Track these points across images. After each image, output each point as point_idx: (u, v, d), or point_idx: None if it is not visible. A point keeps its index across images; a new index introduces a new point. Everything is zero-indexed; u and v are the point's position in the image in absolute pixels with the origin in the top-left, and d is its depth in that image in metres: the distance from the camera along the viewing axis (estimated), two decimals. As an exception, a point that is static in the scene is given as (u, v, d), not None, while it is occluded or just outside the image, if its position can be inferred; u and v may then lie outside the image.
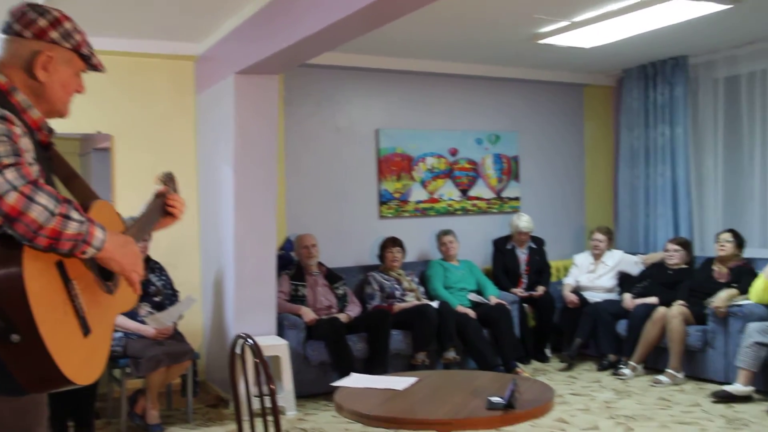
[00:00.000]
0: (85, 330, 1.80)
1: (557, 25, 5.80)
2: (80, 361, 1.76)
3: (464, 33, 6.01)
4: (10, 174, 1.66)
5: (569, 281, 7.08)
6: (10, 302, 1.61)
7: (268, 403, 5.07)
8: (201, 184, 6.13)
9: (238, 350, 2.81)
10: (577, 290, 6.97)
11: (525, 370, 6.32)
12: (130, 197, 5.61)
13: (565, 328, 6.85)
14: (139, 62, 5.94)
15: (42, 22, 1.96)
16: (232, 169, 5.38)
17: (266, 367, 2.56)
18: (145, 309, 5.22)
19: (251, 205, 5.44)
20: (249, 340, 2.65)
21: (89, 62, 2.08)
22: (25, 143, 1.78)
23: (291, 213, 6.53)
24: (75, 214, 1.71)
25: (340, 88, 6.79)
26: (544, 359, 6.88)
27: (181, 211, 2.36)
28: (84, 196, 2.11)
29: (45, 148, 1.99)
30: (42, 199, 1.66)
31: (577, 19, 5.64)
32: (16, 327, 1.62)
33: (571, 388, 5.91)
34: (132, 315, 5.13)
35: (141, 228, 2.19)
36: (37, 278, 1.66)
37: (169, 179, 2.37)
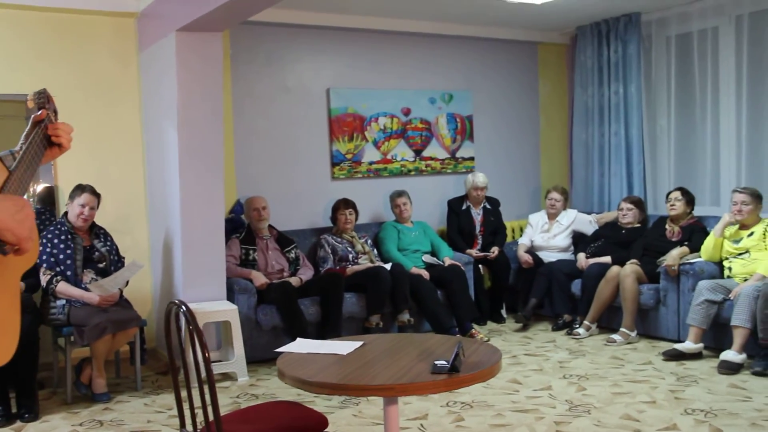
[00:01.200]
0: None
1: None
2: None
3: (415, -11, 5.87)
4: None
5: (524, 241, 7.06)
6: None
7: (216, 370, 4.99)
8: (147, 146, 5.94)
9: (173, 317, 2.70)
10: (531, 250, 6.95)
11: (480, 331, 6.30)
12: (71, 161, 5.40)
13: (520, 288, 6.84)
14: (78, 19, 5.70)
15: None
16: (177, 130, 5.20)
17: (200, 335, 2.45)
18: (89, 276, 5.06)
19: (197, 168, 5.28)
20: (183, 307, 2.53)
21: None
22: None
23: (241, 175, 6.38)
24: None
25: (289, 47, 6.61)
26: (499, 320, 6.88)
27: (68, 138, 1.93)
28: None
29: None
30: None
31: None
32: None
33: (526, 348, 5.91)
34: (75, 282, 4.98)
35: (28, 166, 1.80)
36: None
37: (44, 98, 1.91)
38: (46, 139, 1.87)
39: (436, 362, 2.71)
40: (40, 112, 1.87)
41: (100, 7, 5.70)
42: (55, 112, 1.93)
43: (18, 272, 1.76)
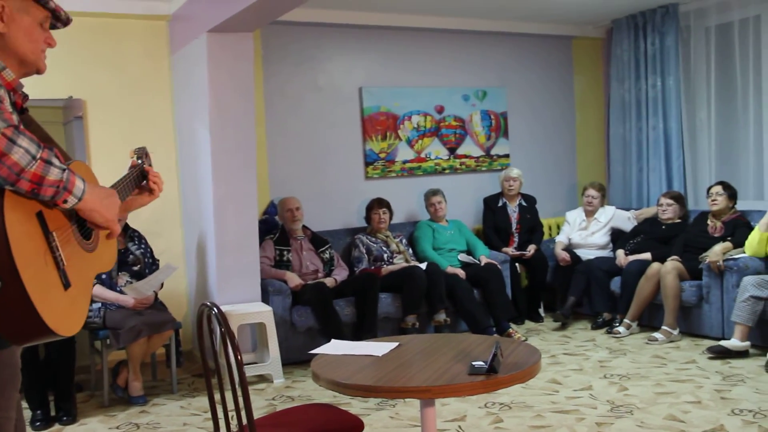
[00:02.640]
0: (65, 282, 1.78)
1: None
2: (61, 312, 1.74)
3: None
4: None
5: (561, 239, 6.94)
6: None
7: (251, 372, 4.93)
8: (180, 148, 5.94)
9: (204, 320, 2.66)
10: (569, 248, 6.83)
11: (518, 330, 6.20)
12: (104, 164, 5.42)
13: (558, 286, 6.72)
14: (111, 23, 5.71)
15: None
16: (208, 131, 5.19)
17: (232, 338, 2.41)
18: (123, 279, 5.07)
19: (229, 169, 5.27)
20: (214, 309, 2.49)
21: (47, 7, 1.98)
22: (2, 94, 1.75)
23: (274, 176, 6.36)
24: (56, 161, 1.70)
25: (320, 46, 6.57)
26: (537, 319, 6.77)
27: (160, 187, 2.31)
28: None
29: (20, 112, 1.94)
30: (24, 142, 1.65)
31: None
32: None
33: (565, 347, 5.80)
34: (110, 285, 4.99)
35: (118, 192, 2.11)
36: (18, 225, 1.64)
37: (143, 154, 2.30)
38: (137, 181, 2.25)
39: (473, 363, 2.64)
40: (140, 161, 2.28)
41: (132, 10, 5.71)
42: (150, 166, 2.31)
43: (94, 271, 2.03)
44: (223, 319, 2.46)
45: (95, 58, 5.68)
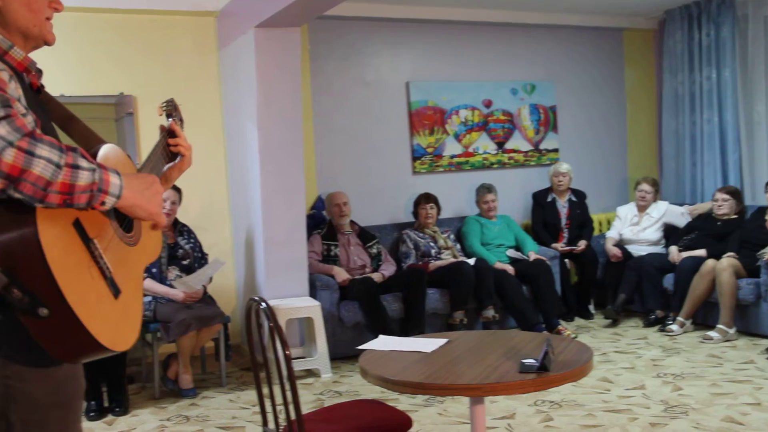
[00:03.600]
0: (115, 291, 1.65)
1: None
2: (115, 325, 1.64)
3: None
4: (3, 129, 1.43)
5: (612, 234, 6.82)
6: (30, 274, 1.44)
7: (299, 366, 4.94)
8: (228, 144, 5.98)
9: (253, 314, 2.66)
10: (620, 244, 6.71)
11: (568, 327, 6.10)
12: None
13: (609, 283, 6.60)
14: (159, 20, 5.77)
15: None
16: (256, 127, 5.21)
17: (280, 332, 2.40)
18: (173, 272, 5.12)
19: (277, 164, 5.28)
20: (262, 303, 2.48)
21: None
22: (14, 88, 1.57)
23: (322, 171, 6.36)
24: (84, 162, 1.51)
25: (367, 41, 6.55)
26: (587, 316, 6.66)
27: (186, 147, 2.06)
28: (86, 141, 1.89)
29: (36, 92, 1.79)
30: (43, 151, 1.45)
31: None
32: (42, 300, 1.46)
33: (616, 345, 5.69)
34: (160, 279, 5.04)
35: (152, 168, 1.96)
36: (56, 243, 1.49)
37: (171, 107, 2.07)
38: (167, 148, 2.02)
39: (524, 361, 2.59)
40: (169, 122, 2.04)
41: (181, 7, 5.76)
42: (182, 120, 2.08)
43: (142, 265, 1.86)
44: (271, 313, 2.46)
45: (145, 55, 5.74)
